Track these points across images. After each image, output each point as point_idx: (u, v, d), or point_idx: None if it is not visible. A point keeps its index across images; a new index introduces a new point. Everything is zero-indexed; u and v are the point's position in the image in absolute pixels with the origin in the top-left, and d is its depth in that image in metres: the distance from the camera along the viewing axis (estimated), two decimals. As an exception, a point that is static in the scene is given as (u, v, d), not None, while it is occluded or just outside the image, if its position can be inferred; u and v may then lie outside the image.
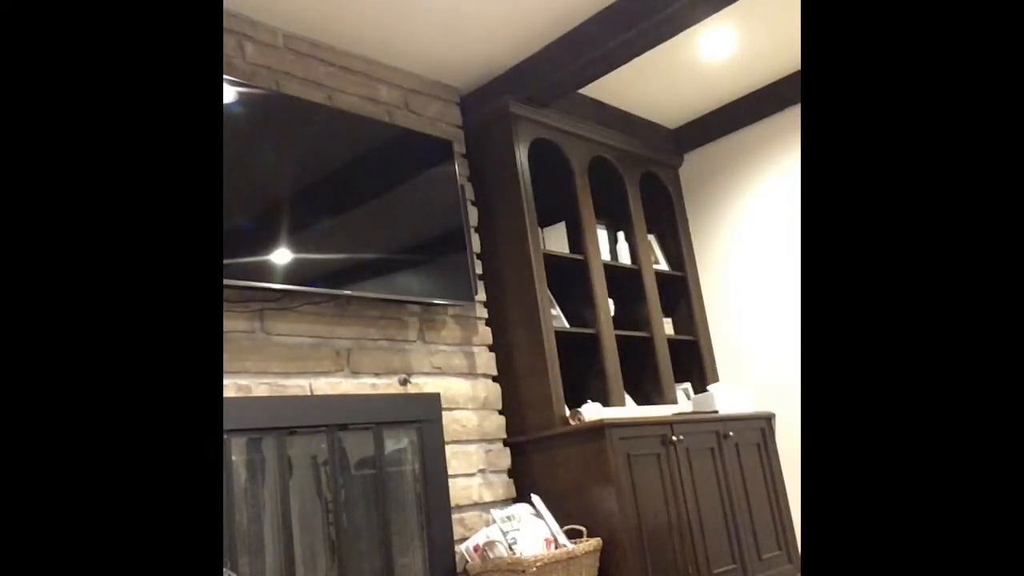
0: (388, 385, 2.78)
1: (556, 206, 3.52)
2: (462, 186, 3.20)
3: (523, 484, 3.04)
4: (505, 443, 3.11)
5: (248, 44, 2.77)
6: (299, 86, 2.86)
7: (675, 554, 2.82)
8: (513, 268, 3.19)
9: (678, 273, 3.96)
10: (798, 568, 3.36)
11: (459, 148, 3.38)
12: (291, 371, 2.54)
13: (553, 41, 3.17)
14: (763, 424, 3.50)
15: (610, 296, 3.47)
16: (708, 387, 3.53)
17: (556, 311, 3.35)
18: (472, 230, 3.29)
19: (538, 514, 2.80)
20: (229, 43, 2.71)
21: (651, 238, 3.96)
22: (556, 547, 2.67)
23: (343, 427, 2.60)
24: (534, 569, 2.49)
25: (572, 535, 2.77)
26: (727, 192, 4.04)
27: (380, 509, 2.62)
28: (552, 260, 3.28)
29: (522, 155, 3.28)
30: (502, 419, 3.13)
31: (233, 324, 2.43)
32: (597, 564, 2.71)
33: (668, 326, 3.81)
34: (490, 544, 2.63)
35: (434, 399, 2.87)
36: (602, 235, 3.65)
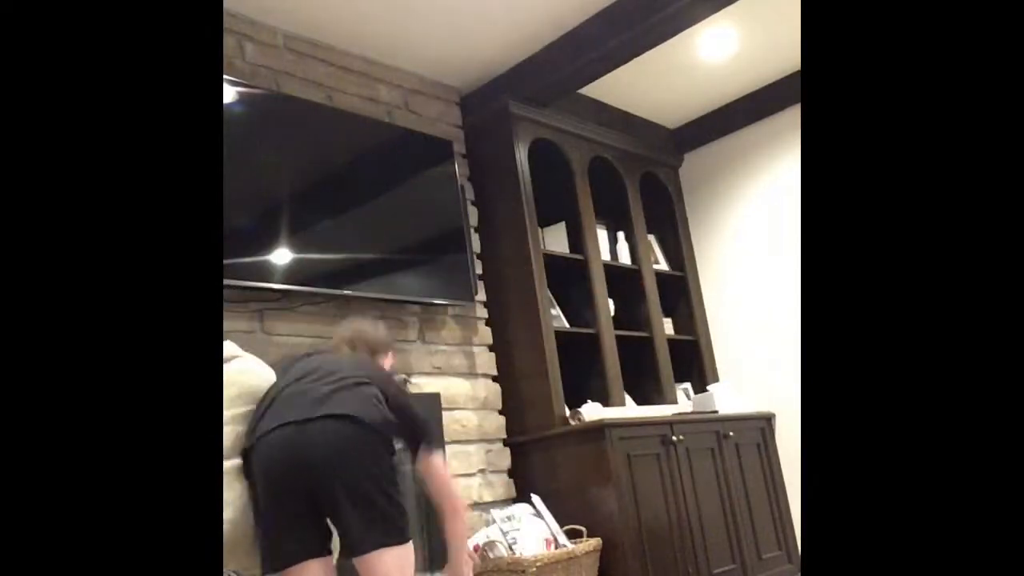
0: (388, 385, 2.78)
1: (556, 206, 3.52)
2: (462, 186, 3.20)
3: (523, 484, 3.04)
4: (505, 443, 3.10)
5: (248, 44, 2.77)
6: (299, 86, 2.86)
7: (675, 554, 2.82)
8: (513, 268, 3.19)
9: (678, 273, 3.96)
10: (798, 568, 3.36)
11: (459, 148, 3.38)
12: (291, 371, 2.53)
13: (553, 41, 3.17)
14: (763, 424, 3.50)
15: (610, 296, 3.47)
16: (708, 387, 3.53)
17: (556, 311, 3.35)
18: (472, 230, 3.29)
19: (538, 514, 2.80)
20: (229, 43, 2.70)
21: (651, 238, 3.96)
22: (556, 547, 2.66)
23: (343, 427, 2.59)
24: (534, 569, 2.49)
25: (572, 535, 2.77)
26: (727, 192, 4.04)
27: (380, 509, 2.62)
28: (552, 260, 3.28)
29: (522, 155, 3.28)
30: (502, 419, 3.13)
31: (233, 324, 2.43)
32: (597, 564, 2.71)
33: (668, 326, 3.81)
34: (490, 544, 2.63)
35: (434, 399, 2.87)
36: (602, 235, 3.65)
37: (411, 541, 1.63)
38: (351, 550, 1.59)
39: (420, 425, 1.83)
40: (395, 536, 1.59)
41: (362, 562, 1.57)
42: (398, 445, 1.71)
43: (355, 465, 1.58)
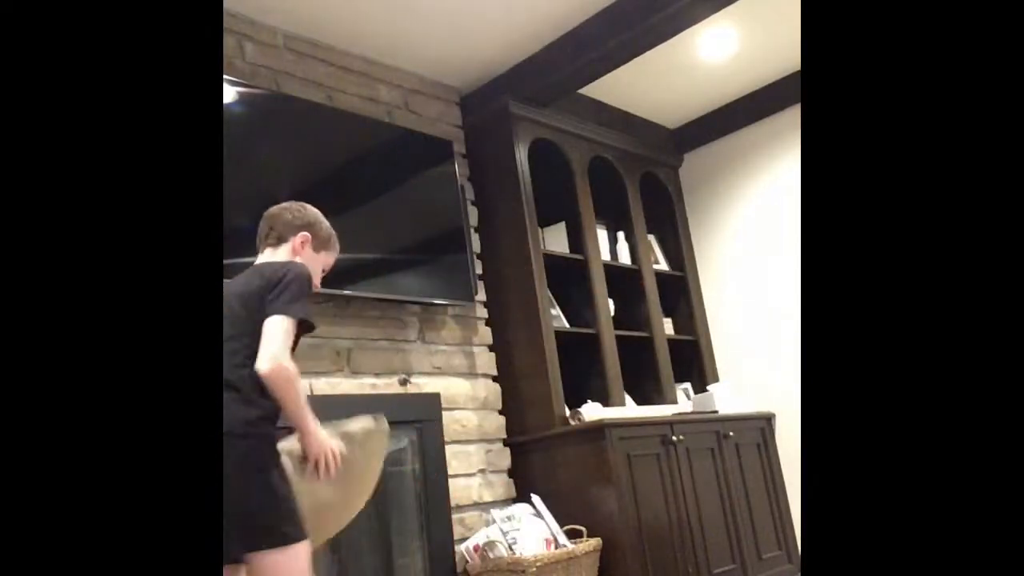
0: (388, 385, 2.78)
1: (556, 206, 3.52)
2: (462, 186, 3.20)
3: (523, 484, 3.04)
4: (505, 443, 3.10)
5: (248, 44, 2.77)
6: (299, 86, 2.86)
7: (675, 554, 2.82)
8: (513, 268, 3.19)
9: (678, 273, 3.95)
10: (798, 568, 3.36)
11: (459, 148, 3.37)
12: (291, 371, 2.53)
13: (553, 41, 3.17)
14: (763, 424, 3.50)
15: (610, 296, 3.47)
16: (708, 387, 3.53)
17: (556, 311, 3.35)
18: (472, 230, 3.29)
19: (538, 514, 2.80)
20: (229, 43, 2.70)
21: (651, 238, 3.96)
22: (556, 547, 2.66)
23: (343, 427, 2.59)
24: (534, 569, 2.49)
25: (572, 535, 2.77)
26: (727, 192, 4.04)
27: (380, 509, 2.62)
28: (552, 260, 3.28)
29: (522, 155, 3.28)
30: (502, 419, 3.13)
31: (233, 324, 2.43)
32: (597, 564, 2.71)
33: (668, 326, 3.81)
34: (490, 544, 2.63)
35: (434, 399, 2.87)
36: (602, 235, 3.65)
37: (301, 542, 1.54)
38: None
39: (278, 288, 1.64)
40: (278, 539, 1.52)
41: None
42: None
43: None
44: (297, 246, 1.83)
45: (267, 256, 1.84)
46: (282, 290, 1.66)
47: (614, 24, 2.97)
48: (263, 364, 1.58)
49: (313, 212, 1.90)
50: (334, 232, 1.92)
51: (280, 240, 1.84)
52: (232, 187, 2.41)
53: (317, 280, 1.84)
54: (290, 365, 1.61)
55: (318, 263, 1.87)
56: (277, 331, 1.61)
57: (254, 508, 1.52)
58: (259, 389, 1.59)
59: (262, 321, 1.63)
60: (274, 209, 1.89)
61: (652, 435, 2.95)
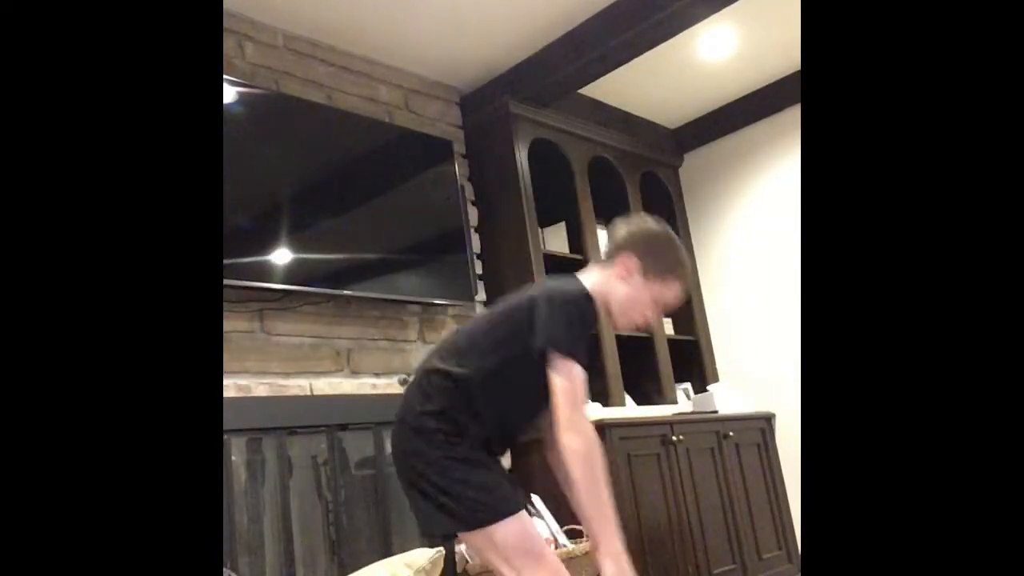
0: (388, 385, 2.78)
1: (556, 206, 3.52)
2: (462, 186, 3.20)
3: (523, 484, 3.03)
4: (505, 443, 3.10)
5: (248, 44, 2.77)
6: (299, 86, 2.86)
7: (675, 554, 2.82)
8: (513, 268, 3.19)
9: (678, 273, 3.95)
10: (798, 568, 3.36)
11: (459, 148, 3.37)
12: (291, 371, 2.54)
13: (553, 41, 3.17)
14: (763, 424, 3.50)
15: (610, 296, 3.46)
16: (708, 387, 3.53)
17: (556, 311, 3.35)
18: (472, 230, 3.29)
19: (538, 514, 2.79)
20: (229, 43, 2.70)
21: (651, 238, 3.95)
22: (556, 547, 2.66)
23: (343, 427, 2.59)
24: (534, 569, 2.48)
25: (572, 535, 2.77)
26: (727, 192, 4.04)
27: (380, 509, 2.62)
28: (552, 260, 3.28)
29: (522, 155, 3.28)
30: (502, 419, 3.13)
31: (233, 324, 2.43)
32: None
33: (668, 326, 3.81)
34: (490, 544, 2.62)
35: (434, 399, 2.87)
36: (602, 235, 3.65)
37: (488, 525, 1.47)
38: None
39: (535, 330, 1.47)
40: (461, 523, 1.49)
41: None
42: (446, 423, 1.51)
43: (407, 466, 1.55)
44: (622, 270, 1.57)
45: (587, 272, 1.60)
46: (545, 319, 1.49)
47: (614, 24, 2.97)
48: (561, 431, 1.40)
49: (658, 232, 1.59)
50: (684, 262, 1.59)
51: (609, 257, 1.59)
52: (232, 187, 2.41)
53: (637, 315, 1.60)
54: (587, 430, 1.41)
55: (645, 294, 1.59)
56: (559, 380, 1.42)
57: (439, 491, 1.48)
58: (437, 390, 1.53)
59: (508, 337, 1.53)
60: (620, 220, 1.63)
61: (652, 435, 2.95)
